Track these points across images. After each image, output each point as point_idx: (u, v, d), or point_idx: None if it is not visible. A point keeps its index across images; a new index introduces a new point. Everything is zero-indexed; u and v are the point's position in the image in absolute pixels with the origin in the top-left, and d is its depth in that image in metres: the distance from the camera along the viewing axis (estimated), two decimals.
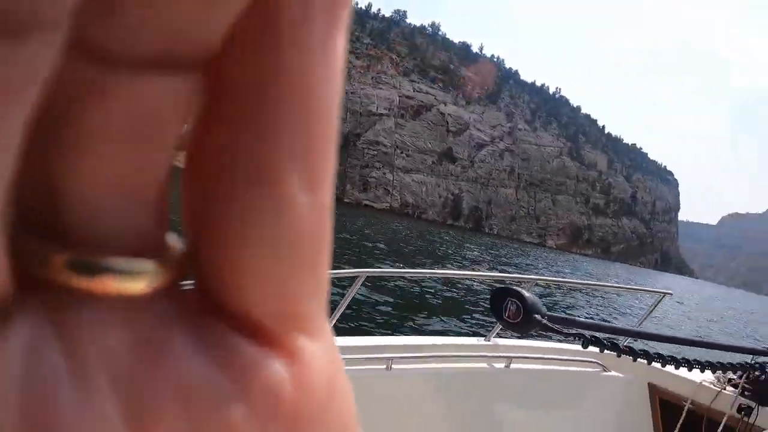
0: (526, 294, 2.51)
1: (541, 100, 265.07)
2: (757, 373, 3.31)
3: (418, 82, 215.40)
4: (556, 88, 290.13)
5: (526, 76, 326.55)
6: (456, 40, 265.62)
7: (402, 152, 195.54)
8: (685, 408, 3.47)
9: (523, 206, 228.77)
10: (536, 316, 2.47)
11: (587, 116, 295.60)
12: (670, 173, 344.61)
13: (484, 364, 3.26)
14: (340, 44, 0.15)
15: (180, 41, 0.11)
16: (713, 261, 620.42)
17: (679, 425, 3.48)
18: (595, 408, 3.58)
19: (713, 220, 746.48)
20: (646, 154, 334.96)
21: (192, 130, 0.14)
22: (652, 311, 4.07)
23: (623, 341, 3.26)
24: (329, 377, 0.15)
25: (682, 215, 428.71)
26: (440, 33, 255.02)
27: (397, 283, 14.08)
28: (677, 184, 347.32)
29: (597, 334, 2.64)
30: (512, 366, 3.33)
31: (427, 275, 12.96)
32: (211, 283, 0.14)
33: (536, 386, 3.43)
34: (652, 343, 4.07)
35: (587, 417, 3.55)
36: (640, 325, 4.05)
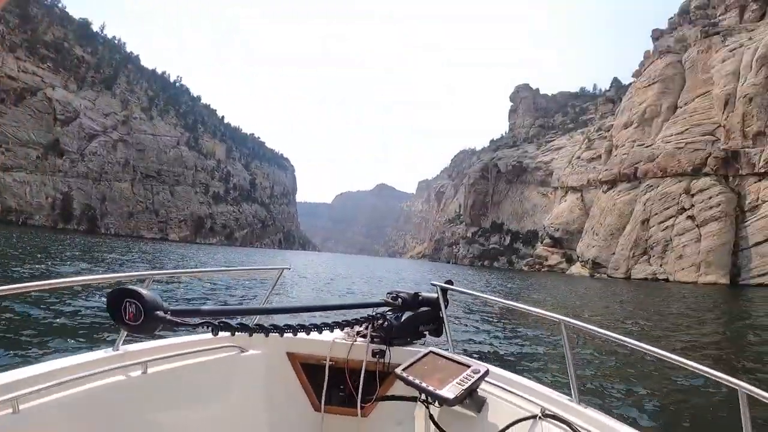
0: (144, 291, 2.38)
1: (159, 87, 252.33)
2: (379, 321, 3.82)
3: (25, 61, 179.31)
4: (178, 76, 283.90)
5: (147, 62, 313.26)
6: (76, 16, 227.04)
7: (0, 146, 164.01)
8: (326, 366, 3.79)
9: (140, 201, 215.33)
10: (158, 312, 2.36)
11: (207, 106, 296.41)
12: (287, 159, 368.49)
13: (120, 377, 3.08)
14: None
15: None
16: (332, 234, 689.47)
17: (325, 382, 3.78)
18: (241, 389, 3.70)
19: (329, 199, 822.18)
20: (264, 142, 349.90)
21: None
22: (274, 286, 4.31)
23: (254, 320, 3.49)
24: None
25: (301, 197, 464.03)
26: (60, 5, 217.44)
27: (6, 306, 12.46)
28: (294, 170, 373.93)
29: (226, 319, 2.65)
30: (149, 371, 3.20)
31: (38, 288, 10.70)
32: None
33: (179, 385, 3.36)
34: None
35: (236, 399, 3.66)
36: (266, 301, 4.25)
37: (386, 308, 3.93)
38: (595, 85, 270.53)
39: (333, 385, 3.79)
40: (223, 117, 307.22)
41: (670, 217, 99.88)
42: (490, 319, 20.51)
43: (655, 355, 2.66)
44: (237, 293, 22.01)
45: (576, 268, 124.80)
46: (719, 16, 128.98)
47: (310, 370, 3.87)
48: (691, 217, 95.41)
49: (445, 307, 3.97)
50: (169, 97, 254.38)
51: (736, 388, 2.29)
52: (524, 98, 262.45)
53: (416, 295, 4.01)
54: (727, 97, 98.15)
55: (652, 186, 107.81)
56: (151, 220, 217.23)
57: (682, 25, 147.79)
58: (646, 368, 12.56)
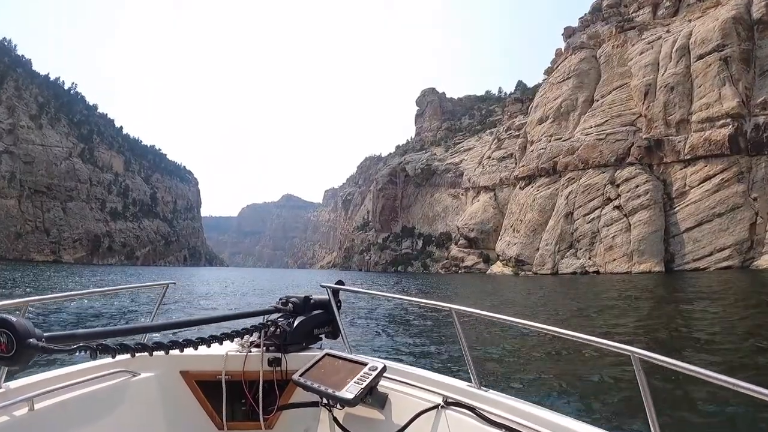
0: (14, 319, 2.22)
1: (52, 94, 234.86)
2: (272, 328, 3.72)
3: None
4: (72, 83, 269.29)
5: (40, 66, 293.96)
6: None
7: None
8: (223, 380, 3.61)
9: (29, 219, 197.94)
10: (31, 341, 2.21)
11: (104, 115, 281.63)
12: (190, 172, 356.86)
13: (5, 416, 2.76)
14: None
15: None
16: (240, 248, 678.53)
17: (224, 398, 3.61)
18: (137, 416, 3.42)
19: (235, 212, 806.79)
20: (165, 154, 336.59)
21: None
22: (160, 303, 4.10)
23: (143, 340, 3.24)
24: None
25: (206, 210, 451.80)
26: None
27: None
28: (197, 182, 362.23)
29: (107, 341, 2.49)
30: (36, 406, 2.90)
31: None
32: None
33: (69, 419, 3.04)
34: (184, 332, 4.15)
35: (133, 427, 3.39)
36: (153, 318, 3.96)
37: (277, 315, 3.93)
38: (500, 88, 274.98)
39: (233, 399, 3.73)
40: (121, 127, 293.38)
41: (596, 209, 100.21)
42: (386, 317, 21.64)
43: (549, 333, 2.75)
44: (125, 314, 21.22)
45: (497, 267, 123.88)
46: (632, 13, 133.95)
47: (207, 387, 3.75)
48: (618, 207, 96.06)
49: (338, 308, 4.00)
50: (61, 104, 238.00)
51: (629, 353, 2.35)
52: (431, 102, 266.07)
53: (307, 298, 4.01)
54: (647, 88, 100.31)
55: (573, 179, 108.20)
56: (41, 241, 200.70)
57: (594, 22, 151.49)
58: (543, 347, 13.48)
